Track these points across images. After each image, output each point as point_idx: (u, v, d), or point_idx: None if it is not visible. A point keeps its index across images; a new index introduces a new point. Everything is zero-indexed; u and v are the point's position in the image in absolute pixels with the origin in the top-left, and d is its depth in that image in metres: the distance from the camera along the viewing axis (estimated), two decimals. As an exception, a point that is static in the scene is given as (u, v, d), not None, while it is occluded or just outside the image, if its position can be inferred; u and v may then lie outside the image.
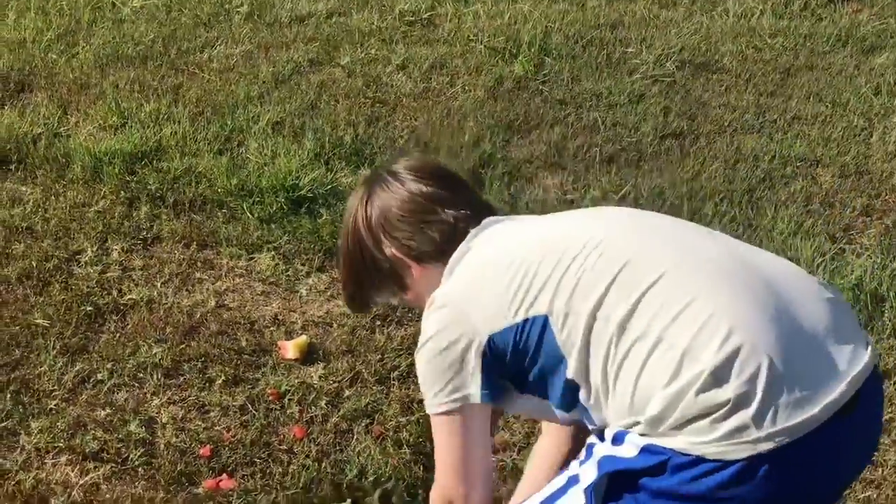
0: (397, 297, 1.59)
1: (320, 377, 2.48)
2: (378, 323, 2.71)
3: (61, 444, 2.20)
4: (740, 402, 1.19)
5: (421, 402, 2.39)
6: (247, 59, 4.30)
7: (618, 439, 1.29)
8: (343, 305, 2.78)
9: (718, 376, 1.20)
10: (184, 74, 4.13)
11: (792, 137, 3.87)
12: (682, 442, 1.22)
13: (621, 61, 4.48)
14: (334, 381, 2.47)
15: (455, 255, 1.45)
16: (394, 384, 2.47)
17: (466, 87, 4.13)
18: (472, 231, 1.46)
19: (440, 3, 5.06)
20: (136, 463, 2.17)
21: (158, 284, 2.80)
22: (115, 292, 2.74)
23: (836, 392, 1.21)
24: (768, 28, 4.94)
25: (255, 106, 3.84)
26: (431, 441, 2.28)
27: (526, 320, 1.32)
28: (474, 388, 1.36)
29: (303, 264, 2.95)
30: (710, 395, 1.20)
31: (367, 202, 1.52)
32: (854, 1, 5.40)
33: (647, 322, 1.25)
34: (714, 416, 1.20)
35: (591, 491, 1.30)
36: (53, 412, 2.29)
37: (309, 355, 2.56)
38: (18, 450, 2.19)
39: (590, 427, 1.39)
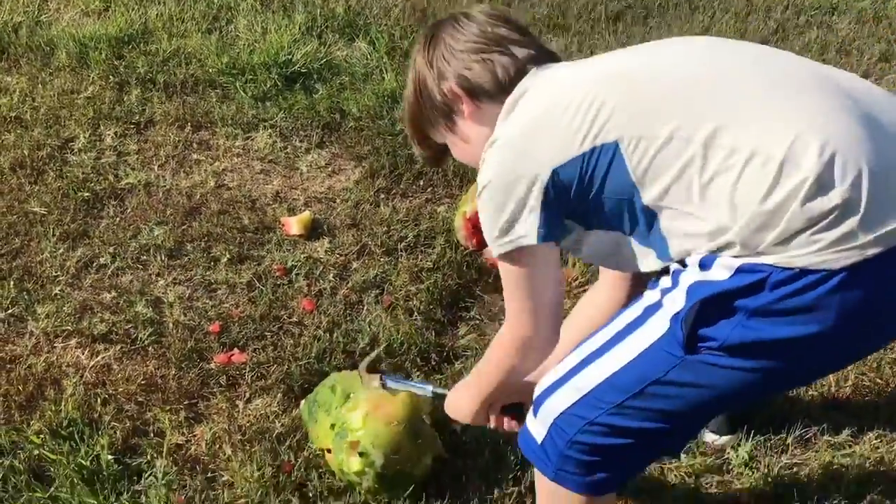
0: (449, 140, 1.54)
1: (326, 251, 2.44)
2: (382, 196, 2.65)
3: (69, 328, 2.18)
4: (847, 209, 1.14)
5: (429, 270, 2.37)
6: (230, -65, 4.08)
7: (705, 265, 1.24)
8: (346, 180, 2.72)
9: (823, 183, 1.14)
10: (165, -46, 3.94)
11: (806, -15, 3.69)
12: (781, 257, 1.17)
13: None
14: (341, 255, 2.43)
15: (514, 93, 1.38)
16: (401, 255, 2.42)
17: (462, -48, 3.93)
18: (533, 70, 1.40)
19: None
20: (146, 342, 2.15)
21: (155, 167, 2.73)
22: (111, 177, 2.68)
23: None
24: None
25: (241, -18, 3.66)
26: (442, 308, 2.27)
27: (594, 149, 1.25)
28: (531, 229, 1.31)
29: (301, 141, 2.86)
30: (817, 203, 1.15)
31: (430, 41, 1.48)
32: None
33: (734, 138, 1.18)
34: (818, 226, 1.15)
35: (680, 319, 1.24)
36: (59, 297, 2.27)
37: (313, 231, 2.51)
38: (27, 335, 2.17)
39: (665, 262, 1.32)
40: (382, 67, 3.17)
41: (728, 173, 1.18)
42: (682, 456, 1.88)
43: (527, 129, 1.32)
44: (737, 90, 1.23)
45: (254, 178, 2.72)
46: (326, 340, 2.14)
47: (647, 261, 1.34)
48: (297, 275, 2.36)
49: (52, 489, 1.79)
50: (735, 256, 1.20)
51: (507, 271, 1.38)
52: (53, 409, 1.95)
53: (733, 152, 1.18)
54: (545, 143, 1.29)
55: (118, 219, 2.53)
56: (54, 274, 2.34)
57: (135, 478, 1.84)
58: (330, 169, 2.78)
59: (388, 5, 3.54)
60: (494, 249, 1.37)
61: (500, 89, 1.41)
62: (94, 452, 1.86)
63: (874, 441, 1.92)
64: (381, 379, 1.85)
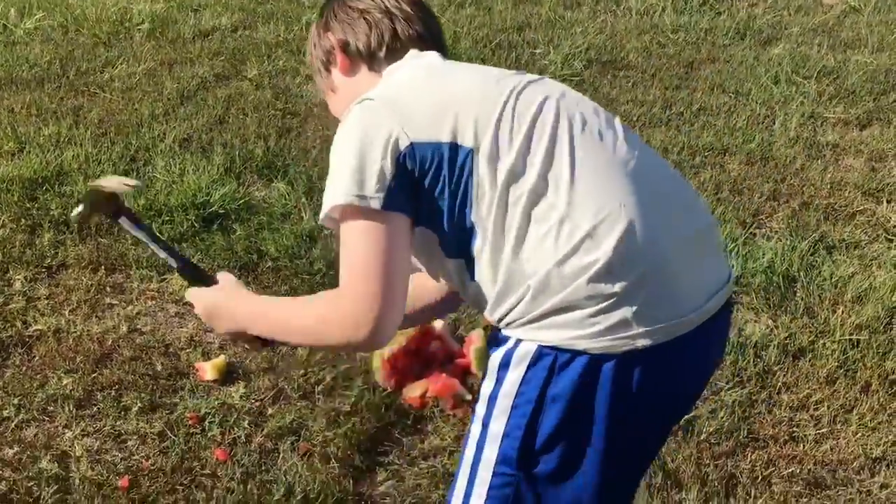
0: (323, 88, 1.55)
1: (241, 397, 2.41)
2: (299, 337, 2.65)
3: (-34, 488, 2.08)
4: (625, 299, 1.25)
5: (347, 413, 2.36)
6: (150, 77, 4.18)
7: (505, 365, 1.31)
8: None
9: (611, 269, 1.25)
10: (84, 96, 3.99)
11: (699, 128, 3.96)
12: (563, 338, 1.26)
13: (530, 62, 4.52)
14: (256, 400, 2.40)
15: (391, 66, 1.44)
16: (318, 398, 2.41)
17: (378, 95, 4.10)
18: (414, 52, 1.45)
19: (347, 13, 5.02)
20: (50, 502, 2.06)
21: (66, 313, 2.68)
22: (19, 324, 2.61)
23: (708, 301, 1.33)
24: (670, 24, 5.07)
25: (160, 124, 3.73)
26: (360, 453, 2.25)
27: (453, 144, 1.27)
28: (381, 189, 1.25)
29: (218, 282, 2.86)
30: (601, 285, 1.24)
31: None
32: (749, -5, 5.58)
33: (556, 195, 1.27)
34: (597, 308, 1.25)
35: (507, 439, 1.32)
36: (-44, 455, 2.17)
37: (228, 375, 2.48)
38: (-81, 498, 2.05)
39: (462, 291, 1.36)
40: (301, 207, 3.23)
41: (540, 225, 1.26)
42: None
43: (398, 94, 1.34)
44: (583, 153, 1.30)
45: (168, 322, 2.69)
46: (240, 493, 2.09)
47: (454, 275, 1.36)
48: (210, 423, 2.31)
49: None
50: (523, 324, 1.28)
51: (356, 238, 1.27)
52: (-56, 580, 1.83)
53: (551, 208, 1.26)
54: (414, 115, 1.29)
55: (25, 367, 2.46)
56: (-48, 429, 2.24)
57: None
58: (247, 310, 2.77)
59: (306, 147, 3.64)
60: (339, 198, 1.26)
61: (371, 53, 1.46)
62: None
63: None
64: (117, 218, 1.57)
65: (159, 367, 2.49)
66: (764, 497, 2.16)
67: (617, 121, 1.40)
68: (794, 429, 2.38)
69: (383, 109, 1.29)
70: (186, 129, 3.68)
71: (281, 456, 2.22)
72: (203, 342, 2.61)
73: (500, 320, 1.33)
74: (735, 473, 2.22)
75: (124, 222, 1.57)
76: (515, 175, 1.27)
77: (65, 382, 2.40)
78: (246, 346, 1.52)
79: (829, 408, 2.43)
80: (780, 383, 2.52)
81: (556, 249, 1.25)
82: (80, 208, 1.59)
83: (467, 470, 1.36)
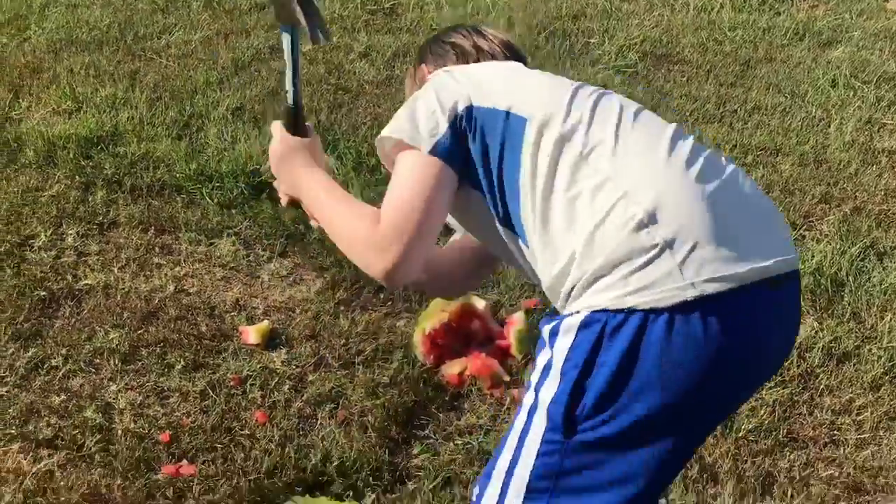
0: None
1: (283, 362, 2.43)
2: (342, 308, 2.67)
3: (13, 432, 2.13)
4: (667, 250, 1.26)
5: (385, 385, 2.37)
6: (206, 46, 4.22)
7: (555, 333, 1.32)
8: (307, 290, 2.74)
9: (650, 220, 1.28)
10: (141, 60, 4.04)
11: (752, 127, 3.91)
12: (610, 297, 1.26)
13: (584, 52, 4.49)
14: (297, 366, 2.43)
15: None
16: (358, 368, 2.43)
17: (430, 76, 4.10)
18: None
19: (402, -7, 5.03)
20: (93, 449, 2.10)
21: (115, 269, 2.73)
22: (69, 277, 2.66)
23: (764, 262, 1.30)
24: (728, 21, 4.99)
25: (214, 91, 3.76)
26: (396, 425, 2.27)
27: (509, 112, 1.39)
28: (437, 135, 1.38)
29: (264, 250, 2.89)
30: (642, 235, 1.27)
31: (442, 35, 1.70)
32: (811, -4, 5.48)
33: (601, 161, 1.34)
34: (640, 261, 1.26)
35: (554, 404, 1.30)
36: (4, 399, 2.22)
37: (271, 341, 2.51)
38: (-32, 437, 2.11)
39: (514, 261, 1.42)
40: (349, 182, 3.25)
41: (584, 188, 1.33)
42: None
43: (474, 72, 1.50)
44: (629, 129, 1.39)
45: (214, 285, 2.73)
46: (278, 455, 2.12)
47: (507, 243, 1.44)
48: (251, 385, 2.34)
49: None
50: (578, 291, 1.31)
51: (407, 174, 1.39)
52: (-11, 517, 1.88)
53: (594, 173, 1.33)
54: (482, 85, 1.44)
55: (73, 320, 2.51)
56: (2, 374, 2.29)
57: None
58: (291, 279, 2.80)
59: (356, 123, 3.65)
60: (392, 131, 1.40)
61: None
62: (29, 566, 1.79)
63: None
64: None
65: (204, 328, 2.52)
66: (801, 498, 2.14)
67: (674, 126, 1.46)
68: (835, 432, 2.35)
69: (458, 76, 1.47)
70: (239, 99, 3.71)
71: (319, 422, 2.25)
72: (248, 307, 2.64)
73: (558, 294, 1.35)
74: (772, 472, 2.20)
75: (286, 38, 1.54)
76: (563, 143, 1.36)
77: (111, 336, 2.44)
78: (288, 204, 1.59)
79: (872, 414, 2.40)
80: (822, 386, 2.48)
81: (597, 210, 1.30)
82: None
83: (516, 436, 1.36)
